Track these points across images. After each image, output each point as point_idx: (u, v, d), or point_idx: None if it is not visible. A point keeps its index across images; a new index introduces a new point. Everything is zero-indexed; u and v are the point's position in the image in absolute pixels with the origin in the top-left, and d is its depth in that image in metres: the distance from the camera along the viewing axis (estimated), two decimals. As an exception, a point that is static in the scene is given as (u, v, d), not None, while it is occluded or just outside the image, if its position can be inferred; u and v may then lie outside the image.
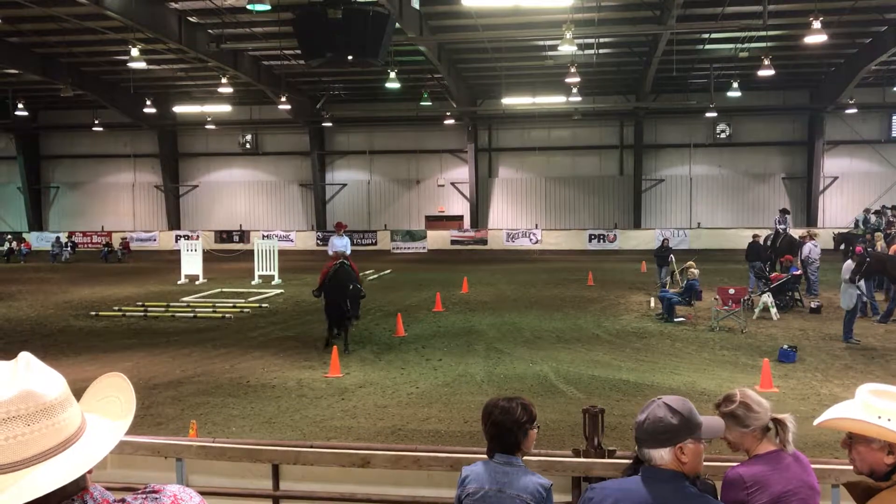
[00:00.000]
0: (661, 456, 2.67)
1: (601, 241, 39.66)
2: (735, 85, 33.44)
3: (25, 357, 1.50)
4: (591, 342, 15.12)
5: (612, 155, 41.10)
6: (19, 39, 29.82)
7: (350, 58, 14.65)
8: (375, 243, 41.72)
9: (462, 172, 41.90)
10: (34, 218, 44.39)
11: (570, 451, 4.62)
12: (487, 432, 3.50)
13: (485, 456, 3.67)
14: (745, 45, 29.62)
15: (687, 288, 17.98)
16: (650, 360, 13.49)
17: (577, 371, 12.51)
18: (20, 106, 37.31)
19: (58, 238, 39.98)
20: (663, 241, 24.28)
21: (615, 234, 39.75)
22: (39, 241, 41.56)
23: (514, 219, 41.78)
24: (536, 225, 41.17)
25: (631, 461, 3.22)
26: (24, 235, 41.69)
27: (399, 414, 10.16)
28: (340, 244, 16.07)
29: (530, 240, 40.41)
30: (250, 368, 12.89)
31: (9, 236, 40.81)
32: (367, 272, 29.85)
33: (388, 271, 30.29)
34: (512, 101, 35.52)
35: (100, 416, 1.57)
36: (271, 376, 12.27)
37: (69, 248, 38.83)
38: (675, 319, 17.19)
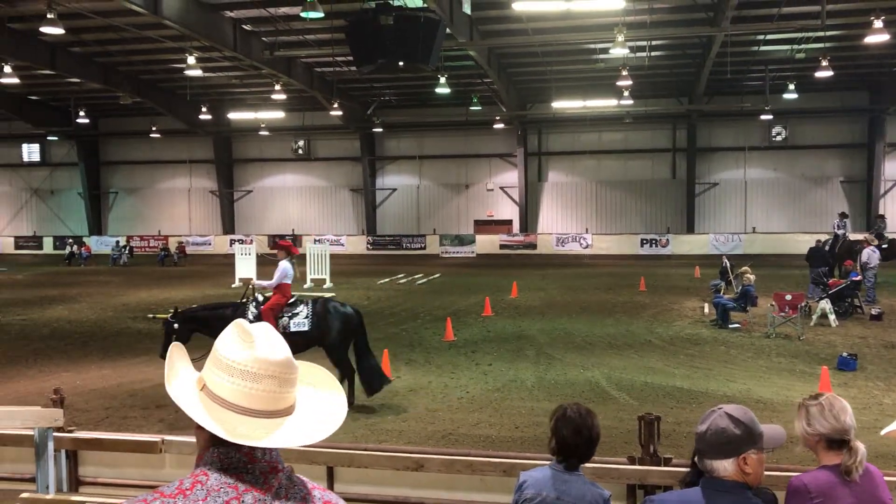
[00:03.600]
0: (725, 467, 2.62)
1: (653, 245, 39.15)
2: (791, 87, 32.73)
3: (274, 332, 1.70)
4: (643, 348, 14.93)
5: (664, 158, 40.56)
6: (81, 49, 30.71)
7: (401, 64, 14.74)
8: (424, 248, 41.87)
9: (511, 177, 41.81)
10: (94, 222, 45.62)
11: (625, 459, 4.57)
12: (559, 442, 3.44)
13: (542, 462, 3.65)
14: (802, 46, 28.97)
15: (742, 293, 17.63)
16: (704, 367, 13.26)
17: (630, 377, 12.36)
18: (82, 114, 38.42)
19: (117, 242, 41.08)
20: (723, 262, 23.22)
21: (667, 239, 39.21)
22: (99, 244, 42.70)
23: (563, 223, 41.51)
24: (587, 229, 40.84)
25: (688, 470, 3.16)
26: (85, 239, 42.85)
27: (449, 418, 10.16)
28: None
29: (580, 244, 40.10)
30: (302, 371, 13.02)
31: (70, 240, 42.02)
32: (417, 276, 30.00)
33: (437, 275, 30.37)
34: (562, 105, 35.34)
35: (308, 387, 1.75)
36: (323, 379, 12.37)
37: (128, 252, 39.83)
38: (730, 326, 16.87)
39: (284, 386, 1.61)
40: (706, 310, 19.15)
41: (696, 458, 2.76)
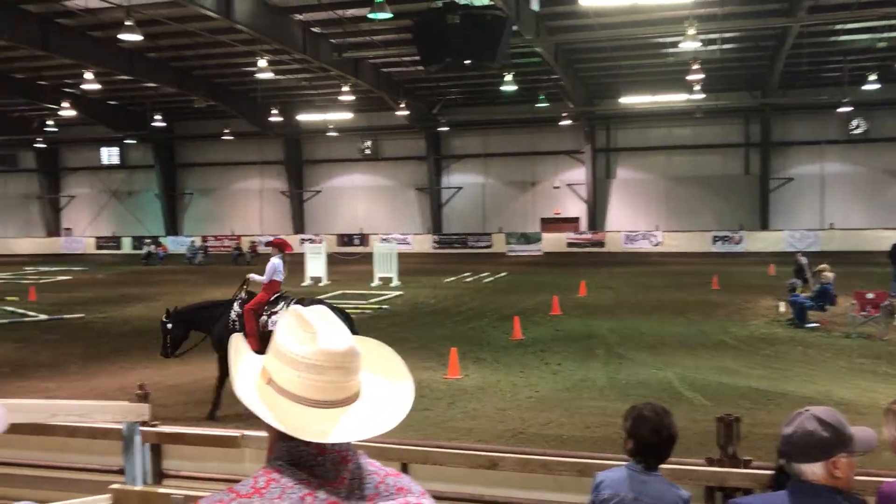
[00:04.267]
0: (813, 471, 2.53)
1: (726, 242, 38.27)
2: (872, 77, 31.52)
3: (333, 317, 1.68)
4: (717, 348, 14.60)
5: (736, 153, 39.59)
6: (157, 55, 31.69)
7: (468, 62, 14.78)
8: (490, 246, 41.85)
9: (579, 174, 41.42)
10: (170, 223, 47.04)
11: (702, 460, 4.48)
12: (636, 442, 3.38)
13: (618, 463, 3.60)
14: (884, 35, 27.87)
15: (820, 292, 17.07)
16: (781, 367, 12.89)
17: (703, 378, 12.10)
18: (158, 117, 39.63)
19: (192, 242, 42.25)
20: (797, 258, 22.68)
21: (741, 236, 38.27)
22: (175, 244, 43.99)
23: (633, 220, 40.92)
24: (657, 226, 40.17)
25: (773, 474, 3.08)
26: (162, 240, 44.22)
27: (519, 417, 10.12)
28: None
29: (650, 242, 39.47)
30: (372, 369, 13.15)
31: (147, 240, 43.42)
32: (483, 275, 29.99)
33: (504, 274, 30.30)
34: (630, 100, 34.86)
35: (374, 374, 1.74)
36: (393, 377, 12.47)
37: (202, 252, 40.93)
38: (808, 325, 16.36)
39: (350, 374, 1.62)
40: (782, 309, 18.60)
41: (782, 462, 2.69)
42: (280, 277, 10.95)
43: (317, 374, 1.58)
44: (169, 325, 10.70)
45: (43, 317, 20.37)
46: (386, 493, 1.64)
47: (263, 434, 1.64)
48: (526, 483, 4.57)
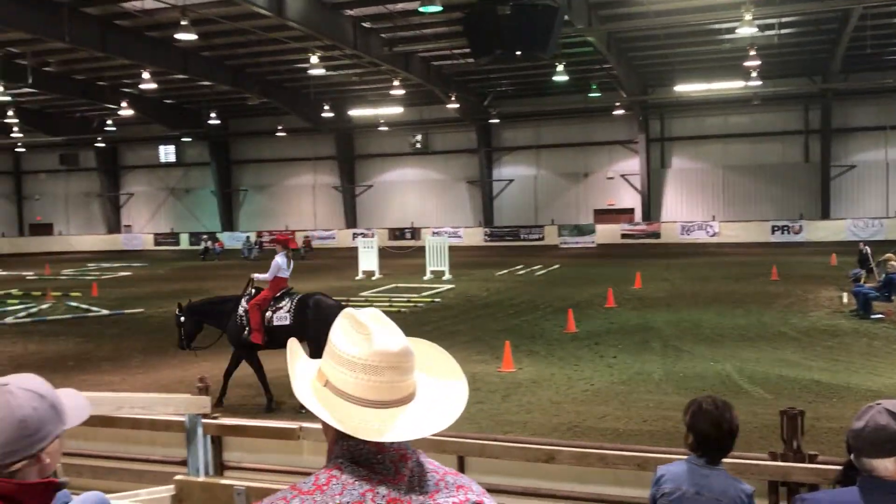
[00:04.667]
0: (886, 467, 2.44)
1: (785, 232, 37.38)
2: (940, 59, 30.41)
3: (386, 319, 1.70)
4: (777, 340, 14.26)
5: (796, 141, 38.60)
6: (212, 53, 32.24)
7: (519, 53, 14.68)
8: (542, 238, 41.62)
9: (632, 164, 40.89)
10: (226, 219, 47.90)
11: (765, 455, 4.38)
12: (697, 436, 3.32)
13: (678, 457, 3.54)
14: (952, 15, 26.85)
15: (886, 282, 16.55)
16: (845, 359, 12.53)
17: (763, 370, 11.83)
18: (213, 115, 40.35)
19: (247, 238, 42.96)
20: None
21: (801, 226, 37.33)
22: (231, 240, 44.80)
23: (688, 211, 40.25)
24: (713, 217, 39.44)
25: (841, 469, 2.98)
26: (218, 235, 45.06)
27: (574, 411, 10.04)
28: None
29: (707, 232, 38.78)
30: (426, 362, 13.19)
31: (205, 236, 44.29)
32: (535, 267, 29.83)
33: (556, 266, 30.10)
34: (685, 88, 34.25)
35: (428, 374, 1.76)
36: (446, 370, 12.49)
37: (257, 247, 41.59)
38: (872, 316, 15.86)
39: (404, 374, 1.64)
40: (845, 299, 18.09)
41: (851, 457, 2.60)
42: (285, 274, 11.05)
43: (372, 375, 1.61)
44: (182, 319, 11.07)
45: (105, 312, 20.92)
46: (446, 489, 1.65)
47: (321, 427, 1.66)
48: (583, 477, 4.52)
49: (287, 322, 10.48)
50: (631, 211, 41.43)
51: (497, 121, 41.30)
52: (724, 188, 39.76)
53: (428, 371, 1.75)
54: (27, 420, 1.84)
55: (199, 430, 4.41)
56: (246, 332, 10.63)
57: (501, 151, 43.84)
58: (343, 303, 11.19)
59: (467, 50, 26.70)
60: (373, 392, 1.61)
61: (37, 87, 33.31)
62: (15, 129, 43.27)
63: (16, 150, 50.56)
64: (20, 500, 1.85)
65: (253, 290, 10.93)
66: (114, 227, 51.21)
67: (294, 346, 1.79)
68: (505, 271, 28.83)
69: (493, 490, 4.72)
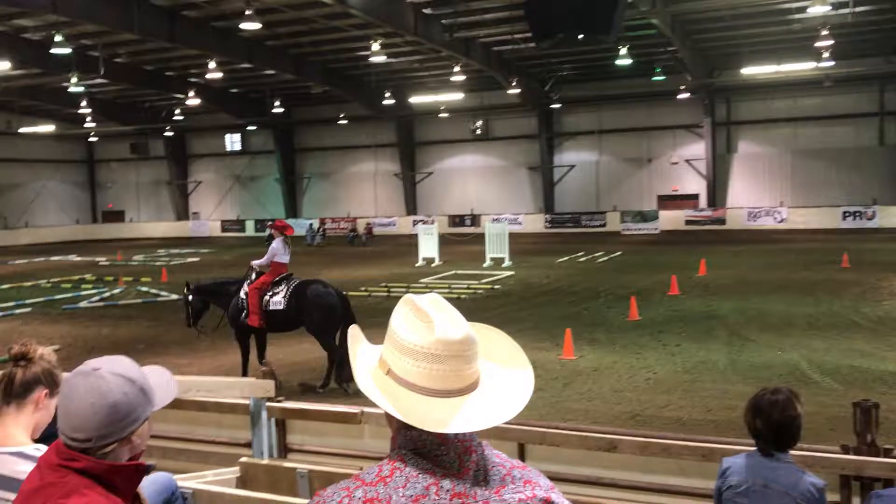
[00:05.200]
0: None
1: (857, 218, 36.14)
2: None
3: (448, 305, 1.67)
4: (848, 329, 13.83)
5: (870, 123, 37.20)
6: (275, 43, 32.68)
7: (581, 37, 14.46)
8: (604, 225, 41.14)
9: (697, 149, 40.03)
10: (290, 206, 48.66)
11: (837, 447, 4.25)
12: (762, 430, 3.24)
13: (744, 448, 3.46)
14: None
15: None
16: (922, 350, 12.08)
17: (834, 360, 11.49)
18: (277, 104, 40.95)
19: (311, 224, 43.57)
20: None
21: (874, 211, 36.03)
22: (295, 227, 45.30)
23: (755, 196, 39.23)
24: (781, 202, 38.38)
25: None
26: (282, 222, 45.74)
27: (636, 399, 9.92)
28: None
29: (774, 218, 37.77)
30: (486, 348, 13.18)
31: (270, 223, 45.06)
32: (597, 254, 29.52)
33: (619, 253, 29.73)
34: (753, 71, 33.33)
35: (492, 362, 1.72)
36: (507, 357, 12.46)
37: (321, 234, 42.16)
38: (952, 306, 15.24)
39: (468, 363, 1.61)
40: (922, 288, 17.44)
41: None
42: (283, 259, 11.30)
43: (435, 364, 1.58)
44: (190, 298, 11.56)
45: (174, 297, 21.46)
46: (512, 484, 1.61)
47: (383, 411, 1.65)
48: (646, 466, 4.47)
49: (281, 307, 10.80)
50: (695, 197, 40.59)
51: (558, 106, 40.85)
52: (793, 173, 38.61)
53: (492, 358, 1.72)
54: (118, 405, 1.89)
55: (264, 414, 4.50)
56: (244, 315, 10.98)
57: (563, 137, 43.40)
58: (342, 291, 11.36)
59: (528, 34, 26.51)
60: (436, 381, 1.58)
61: (108, 78, 34.28)
62: (88, 119, 44.69)
63: (89, 139, 52.24)
64: (111, 481, 1.92)
65: (254, 276, 11.23)
66: (182, 214, 52.51)
67: (355, 332, 1.77)
68: (566, 258, 28.60)
69: (553, 478, 4.68)
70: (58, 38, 25.62)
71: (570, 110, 41.91)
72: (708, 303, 17.18)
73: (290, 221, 46.11)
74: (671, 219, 39.61)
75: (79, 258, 36.57)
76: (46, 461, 1.94)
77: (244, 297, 11.02)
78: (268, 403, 4.73)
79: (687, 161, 40.64)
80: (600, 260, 27.98)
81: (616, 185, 42.23)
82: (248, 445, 4.97)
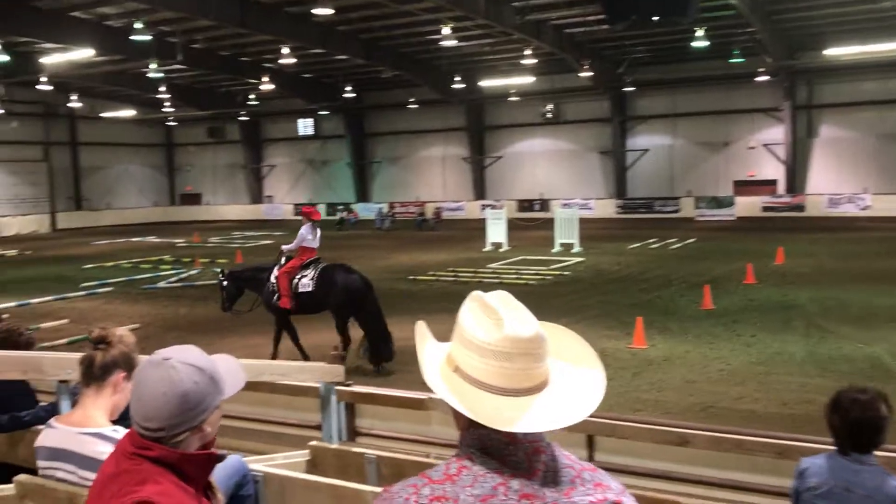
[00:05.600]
0: None
1: (947, 206, 34.47)
2: None
3: (517, 303, 1.65)
4: (936, 323, 13.22)
5: (964, 106, 35.36)
6: (347, 28, 32.94)
7: (656, 18, 14.13)
8: (678, 211, 40.29)
9: (776, 133, 38.75)
10: (360, 190, 49.15)
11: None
12: (841, 429, 3.12)
13: (822, 447, 3.33)
14: None
15: None
16: None
17: (920, 355, 11.01)
18: (348, 88, 41.32)
19: (380, 209, 43.95)
20: None
21: (965, 199, 34.31)
22: (365, 211, 45.93)
23: (837, 183, 37.77)
24: (865, 189, 36.88)
25: None
26: (353, 206, 46.31)
27: (709, 391, 9.71)
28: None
29: (857, 205, 36.34)
30: (555, 335, 13.09)
31: (340, 207, 45.67)
32: (670, 241, 28.95)
33: (692, 240, 29.08)
34: (837, 52, 32.02)
35: (562, 361, 1.69)
36: (575, 344, 12.35)
37: (390, 218, 42.51)
38: None
39: (537, 361, 1.58)
40: None
41: None
42: (312, 244, 11.66)
43: (504, 362, 1.55)
44: (224, 283, 12.13)
45: (248, 278, 21.99)
46: (582, 486, 1.58)
47: (452, 412, 1.63)
48: (719, 462, 4.36)
49: (310, 289, 11.22)
50: (773, 182, 39.34)
51: (632, 89, 40.05)
52: (878, 158, 36.97)
53: (562, 357, 1.68)
54: (189, 394, 1.92)
55: (333, 398, 4.55)
56: (276, 298, 11.41)
57: (636, 120, 42.58)
58: (367, 277, 11.67)
59: (602, 16, 26.04)
60: (504, 379, 1.56)
61: (186, 64, 35.12)
62: (167, 104, 45.97)
63: (168, 123, 53.75)
64: (183, 469, 1.96)
65: (284, 260, 11.70)
66: (256, 197, 53.61)
67: (422, 329, 1.75)
68: (637, 244, 28.14)
69: (623, 471, 4.63)
70: (138, 25, 26.35)
71: (643, 93, 41.07)
72: (785, 292, 16.67)
73: (360, 205, 46.75)
74: (747, 205, 38.52)
75: (157, 239, 37.78)
76: (122, 448, 1.99)
77: (275, 280, 11.47)
78: (337, 388, 4.79)
79: (765, 146, 39.41)
80: (673, 247, 27.43)
81: (690, 170, 41.26)
82: (319, 428, 5.05)
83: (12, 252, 32.52)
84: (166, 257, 28.29)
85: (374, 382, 9.96)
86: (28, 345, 4.25)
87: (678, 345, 12.20)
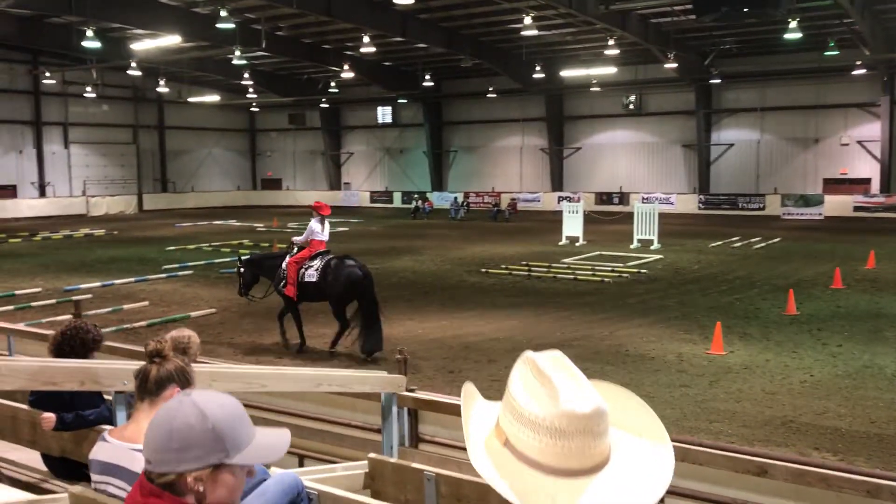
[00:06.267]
0: None
1: None
2: None
3: (573, 369, 1.49)
4: None
5: None
6: (428, 16, 32.89)
7: (746, 10, 13.54)
8: (763, 208, 38.96)
9: (872, 129, 37.00)
10: (436, 179, 49.22)
11: None
12: None
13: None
14: None
15: None
16: None
17: None
18: (427, 77, 41.33)
19: (455, 198, 43.92)
20: None
21: None
22: (440, 200, 45.98)
23: (937, 183, 35.85)
24: (967, 190, 34.90)
25: None
26: (428, 195, 46.41)
27: (790, 404, 9.26)
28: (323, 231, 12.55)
29: (958, 208, 34.42)
30: (629, 337, 12.77)
31: (415, 196, 45.84)
32: (754, 240, 27.99)
33: (777, 240, 28.03)
34: (942, 45, 30.25)
35: (625, 431, 1.54)
36: (649, 347, 12.02)
37: (464, 207, 42.44)
38: None
39: (598, 438, 1.42)
40: None
41: None
42: (320, 237, 12.34)
43: (559, 440, 1.40)
44: (242, 270, 12.91)
45: (323, 265, 22.23)
46: None
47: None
48: (800, 494, 4.08)
49: (314, 279, 11.88)
50: (867, 181, 37.59)
51: (718, 81, 38.81)
52: (985, 158, 34.93)
53: (625, 427, 1.51)
54: (174, 432, 1.71)
55: (394, 410, 4.46)
56: (282, 284, 12.13)
57: (722, 114, 41.28)
58: (368, 269, 12.08)
59: (689, 6, 25.22)
60: (560, 459, 1.40)
61: (269, 51, 35.69)
62: (250, 90, 46.91)
63: (251, 109, 54.89)
64: None
65: (295, 250, 12.48)
66: (335, 183, 54.30)
67: (469, 390, 1.59)
68: (719, 242, 27.29)
69: (696, 497, 4.39)
70: (223, 13, 26.86)
71: (730, 86, 39.77)
72: (876, 299, 15.85)
73: (435, 195, 46.81)
74: (838, 204, 36.92)
75: (238, 223, 38.67)
76: (140, 480, 1.86)
77: (285, 268, 12.17)
78: (400, 393, 4.69)
79: (859, 142, 37.68)
80: (757, 246, 26.49)
81: (778, 167, 39.81)
82: (380, 432, 4.97)
83: (100, 232, 33.79)
84: (246, 241, 28.88)
85: (437, 383, 9.88)
86: (94, 342, 4.28)
87: (759, 352, 11.71)
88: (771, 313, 14.65)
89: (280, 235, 31.03)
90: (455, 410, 4.80)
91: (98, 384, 2.88)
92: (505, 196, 44.70)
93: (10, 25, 33.13)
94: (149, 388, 2.56)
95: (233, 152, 56.71)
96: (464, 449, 4.94)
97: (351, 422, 5.31)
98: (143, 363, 2.66)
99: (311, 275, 11.90)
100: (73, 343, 4.18)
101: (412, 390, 4.93)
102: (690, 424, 8.46)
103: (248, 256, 13.16)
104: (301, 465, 5.51)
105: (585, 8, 27.66)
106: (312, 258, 12.09)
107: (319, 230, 12.34)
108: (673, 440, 4.27)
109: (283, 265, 12.21)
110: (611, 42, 30.66)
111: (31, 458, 4.11)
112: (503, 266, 21.32)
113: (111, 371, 2.91)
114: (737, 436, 8.11)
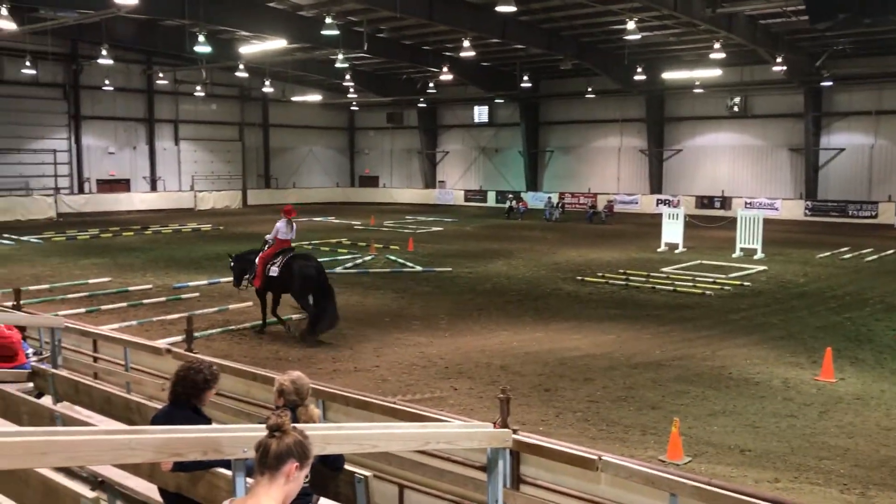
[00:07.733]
0: None
1: None
2: None
3: None
4: None
5: None
6: (528, 18, 32.68)
7: (868, 21, 12.87)
8: (875, 216, 37.04)
9: None
10: (531, 179, 48.92)
11: None
12: None
13: None
14: None
15: None
16: None
17: None
18: (525, 77, 41.10)
19: (549, 198, 43.57)
20: None
21: None
22: (535, 200, 45.69)
23: None
24: None
25: None
26: (523, 195, 46.19)
27: (908, 441, 8.76)
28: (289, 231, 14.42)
29: None
30: (732, 357, 12.36)
31: (510, 195, 45.70)
32: (866, 251, 26.66)
33: (892, 252, 26.59)
34: None
35: None
36: (754, 370, 11.59)
37: (559, 209, 42.02)
38: None
39: None
40: None
41: None
42: (285, 236, 14.19)
43: None
44: (232, 265, 14.99)
45: (418, 268, 22.44)
46: None
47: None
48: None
49: (275, 274, 13.73)
50: None
51: (830, 83, 37.07)
52: None
53: None
54: None
55: (500, 464, 4.44)
56: (251, 277, 14.24)
57: (832, 117, 39.40)
58: (321, 264, 14.16)
59: (801, 7, 24.17)
60: None
61: (370, 53, 36.24)
62: (351, 90, 47.79)
63: (351, 108, 55.92)
64: None
65: (266, 247, 14.27)
66: (430, 182, 54.72)
67: None
68: (827, 253, 26.11)
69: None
70: (328, 20, 27.42)
71: (842, 88, 37.91)
72: None
73: (529, 194, 46.53)
74: (960, 214, 34.75)
75: (337, 220, 39.47)
76: None
77: (256, 263, 14.16)
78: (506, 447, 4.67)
79: None
80: (868, 258, 25.21)
81: (893, 173, 37.74)
82: (482, 469, 4.96)
83: (207, 227, 35.14)
84: (344, 241, 29.42)
85: (533, 402, 9.77)
86: (206, 382, 4.36)
87: (873, 381, 11.14)
88: (885, 336, 13.92)
89: (377, 234, 31.51)
90: (559, 457, 4.75)
91: (220, 453, 2.98)
92: (602, 197, 44.03)
93: (127, 29, 34.81)
94: (269, 462, 2.62)
95: (332, 150, 57.90)
96: (567, 495, 4.85)
97: (452, 456, 5.33)
98: (262, 430, 2.72)
99: (274, 270, 13.76)
100: (186, 385, 4.33)
101: (515, 431, 4.91)
102: (798, 461, 8.12)
103: (237, 254, 15.19)
104: (401, 495, 5.58)
105: (692, 11, 26.91)
106: (276, 255, 13.91)
107: (285, 230, 14.19)
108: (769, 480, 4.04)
109: (255, 260, 14.18)
110: (717, 45, 29.69)
111: (149, 487, 4.29)
112: (599, 274, 21.00)
113: (233, 440, 3.00)
114: (850, 477, 7.73)
